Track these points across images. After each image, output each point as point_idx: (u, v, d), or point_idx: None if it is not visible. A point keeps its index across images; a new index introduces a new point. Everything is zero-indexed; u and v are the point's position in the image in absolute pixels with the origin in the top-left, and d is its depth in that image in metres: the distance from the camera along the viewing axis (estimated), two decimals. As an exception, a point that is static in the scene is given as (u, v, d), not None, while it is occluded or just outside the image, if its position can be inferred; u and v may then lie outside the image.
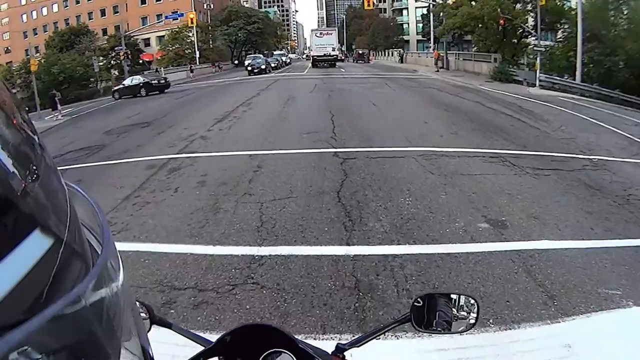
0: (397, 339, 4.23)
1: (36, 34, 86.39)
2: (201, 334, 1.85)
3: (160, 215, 7.82)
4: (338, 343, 1.76)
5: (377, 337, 1.80)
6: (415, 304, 1.73)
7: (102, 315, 0.85)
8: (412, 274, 5.29)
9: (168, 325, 1.86)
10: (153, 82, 39.22)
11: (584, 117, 14.54)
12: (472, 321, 1.72)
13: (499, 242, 6.00)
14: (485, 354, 4.08)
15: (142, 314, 1.85)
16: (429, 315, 1.72)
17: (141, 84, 38.53)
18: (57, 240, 0.75)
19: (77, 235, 0.87)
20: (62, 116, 32.55)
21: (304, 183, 8.86)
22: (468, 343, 4.17)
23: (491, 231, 6.34)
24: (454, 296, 1.77)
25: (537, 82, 30.92)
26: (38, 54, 67.39)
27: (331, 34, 63.94)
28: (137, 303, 1.77)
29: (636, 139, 12.11)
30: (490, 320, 4.45)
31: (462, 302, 1.76)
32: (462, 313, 1.74)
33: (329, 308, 4.77)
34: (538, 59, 33.22)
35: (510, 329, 4.36)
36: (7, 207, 0.66)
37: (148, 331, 1.81)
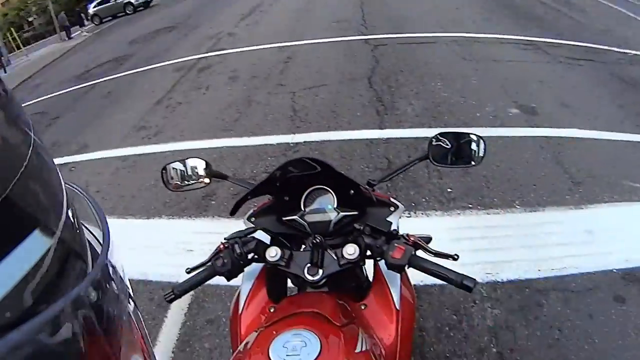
0: (428, 216, 4.46)
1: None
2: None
3: (193, 114, 8.02)
4: (369, 180, 2.03)
5: (400, 174, 2.17)
6: (432, 142, 2.04)
7: (102, 314, 0.86)
8: (443, 156, 5.37)
9: (224, 177, 2.15)
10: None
11: (622, 9, 13.95)
12: (482, 154, 2.02)
13: (529, 128, 6.03)
14: (510, 233, 4.24)
15: (201, 170, 2.16)
16: (445, 152, 2.04)
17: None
18: (57, 241, 0.76)
19: (77, 235, 0.88)
20: (86, 32, 32.58)
21: (335, 71, 8.86)
22: (496, 222, 4.36)
23: (521, 117, 6.35)
24: (464, 135, 2.04)
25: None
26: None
27: None
28: (193, 159, 2.16)
29: (678, 38, 11.62)
30: (517, 202, 4.61)
31: (470, 139, 2.02)
32: (473, 149, 2.02)
33: (362, 189, 4.94)
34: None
35: (535, 211, 4.50)
36: (7, 207, 0.66)
37: (209, 183, 2.18)
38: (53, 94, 13.51)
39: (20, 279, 0.65)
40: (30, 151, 0.80)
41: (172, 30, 18.77)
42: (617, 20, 12.74)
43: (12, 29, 43.13)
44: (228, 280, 1.71)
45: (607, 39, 10.51)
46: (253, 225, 1.85)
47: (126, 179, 6.24)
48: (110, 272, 0.96)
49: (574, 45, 9.87)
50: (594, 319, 3.41)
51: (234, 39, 13.75)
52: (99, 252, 0.96)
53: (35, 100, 13.61)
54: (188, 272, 1.73)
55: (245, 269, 1.77)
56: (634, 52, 9.52)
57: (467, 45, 9.76)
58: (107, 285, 0.92)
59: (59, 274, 0.75)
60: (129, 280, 3.90)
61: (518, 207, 4.55)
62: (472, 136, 2.03)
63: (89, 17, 38.78)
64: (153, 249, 4.67)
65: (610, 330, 3.31)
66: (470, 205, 4.59)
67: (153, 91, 10.02)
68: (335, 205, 1.83)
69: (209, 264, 1.70)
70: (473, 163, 2.04)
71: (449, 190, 4.82)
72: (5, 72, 27.65)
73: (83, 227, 0.98)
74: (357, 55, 9.68)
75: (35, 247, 0.70)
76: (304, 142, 6.18)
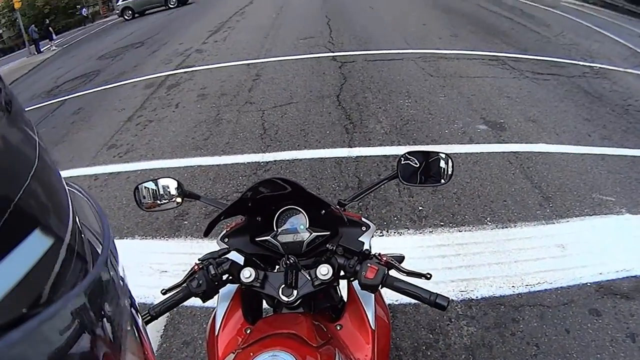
0: (400, 235, 4.45)
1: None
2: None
3: (164, 132, 7.96)
4: (340, 200, 2.07)
5: (370, 193, 2.20)
6: (400, 160, 2.09)
7: (102, 314, 0.85)
8: (412, 173, 5.41)
9: (196, 197, 2.20)
10: None
11: (586, 24, 14.21)
12: (450, 172, 2.06)
13: (497, 144, 6.10)
14: (483, 250, 4.25)
15: (173, 190, 2.18)
16: (414, 170, 2.09)
17: None
18: (57, 240, 0.75)
19: (77, 235, 0.85)
20: (55, 47, 32.06)
21: (303, 88, 8.91)
22: (467, 239, 4.37)
23: (489, 133, 6.42)
24: (432, 153, 2.08)
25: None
26: (19, -10, 65.95)
27: None
28: (165, 179, 2.18)
29: (639, 50, 11.91)
30: (488, 219, 4.63)
31: (439, 157, 2.07)
32: (441, 167, 2.06)
33: (333, 209, 4.94)
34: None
35: (506, 227, 4.52)
36: (7, 207, 0.64)
37: (181, 204, 2.19)
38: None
39: (20, 279, 0.63)
40: (37, 153, 0.79)
41: (140, 46, 18.68)
42: (582, 33, 13.05)
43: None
44: (204, 301, 1.74)
45: (572, 52, 10.78)
46: (227, 246, 1.88)
47: (98, 198, 5.95)
48: (111, 272, 0.94)
49: (539, 59, 10.05)
50: (571, 333, 3.43)
51: (203, 56, 13.72)
52: (99, 252, 0.94)
53: (5, 115, 13.38)
54: (163, 294, 1.75)
55: (220, 290, 1.81)
56: (599, 65, 9.73)
57: (434, 62, 9.87)
58: (107, 285, 0.91)
59: (59, 274, 0.73)
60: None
61: (489, 223, 4.58)
62: (440, 154, 2.07)
63: (118, 12, 37.48)
64: (127, 269, 4.51)
65: (587, 345, 3.34)
66: (442, 223, 4.61)
67: (123, 108, 9.98)
68: (307, 226, 1.86)
69: (184, 285, 1.73)
70: (442, 181, 2.08)
71: (420, 208, 4.84)
72: None
73: (83, 227, 0.93)
74: (325, 73, 9.73)
75: (35, 247, 0.68)
76: (275, 160, 6.19)
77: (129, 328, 0.99)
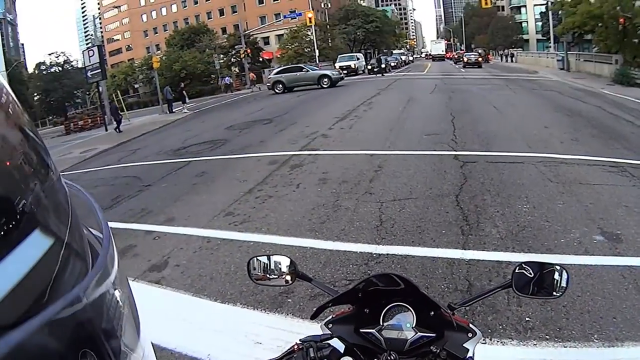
0: (503, 345, 4.50)
1: (156, 32, 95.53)
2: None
3: (282, 209, 8.42)
4: (450, 303, 2.02)
5: (482, 300, 2.22)
6: (516, 271, 2.03)
7: (102, 314, 0.87)
8: (524, 283, 5.46)
9: (308, 280, 2.20)
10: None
11: None
12: (564, 286, 2.01)
13: (612, 257, 6.01)
14: None
15: (284, 267, 2.18)
16: (527, 281, 2.02)
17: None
18: (57, 240, 0.78)
19: (77, 235, 0.90)
20: (186, 110, 34.62)
21: (423, 185, 9.20)
22: (571, 356, 4.34)
23: (605, 244, 6.34)
24: (547, 265, 2.06)
25: (660, 87, 27.52)
26: (159, 52, 71.99)
27: (441, 42, 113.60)
28: (279, 256, 2.21)
29: None
30: (595, 336, 4.57)
31: (554, 269, 2.05)
32: (555, 279, 2.03)
33: (441, 310, 5.07)
34: (660, 61, 29.13)
35: (613, 346, 4.44)
36: (7, 207, 0.67)
37: (291, 283, 2.18)
38: (149, 162, 14.64)
39: (20, 279, 0.65)
40: (39, 154, 0.83)
41: (268, 123, 19.99)
42: None
43: (118, 91, 46.11)
44: None
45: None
46: (330, 332, 1.87)
47: (207, 260, 6.59)
48: (110, 271, 0.95)
49: (660, 166, 9.83)
50: None
51: (328, 141, 14.49)
52: (99, 252, 0.97)
53: (130, 164, 14.90)
54: None
55: None
56: None
57: (554, 167, 9.93)
58: (107, 285, 0.92)
59: (59, 274, 0.76)
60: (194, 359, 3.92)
61: (596, 341, 4.51)
62: (555, 267, 2.02)
63: (269, 84, 39.87)
64: (222, 334, 4.90)
65: None
66: (547, 337, 4.58)
67: (245, 180, 10.72)
68: (414, 325, 1.83)
69: None
70: (555, 294, 2.02)
71: (527, 319, 4.84)
72: (106, 130, 29.88)
73: (83, 227, 0.99)
74: (446, 171, 10.02)
75: (35, 247, 0.71)
76: (387, 254, 6.36)
77: (128, 327, 1.05)
